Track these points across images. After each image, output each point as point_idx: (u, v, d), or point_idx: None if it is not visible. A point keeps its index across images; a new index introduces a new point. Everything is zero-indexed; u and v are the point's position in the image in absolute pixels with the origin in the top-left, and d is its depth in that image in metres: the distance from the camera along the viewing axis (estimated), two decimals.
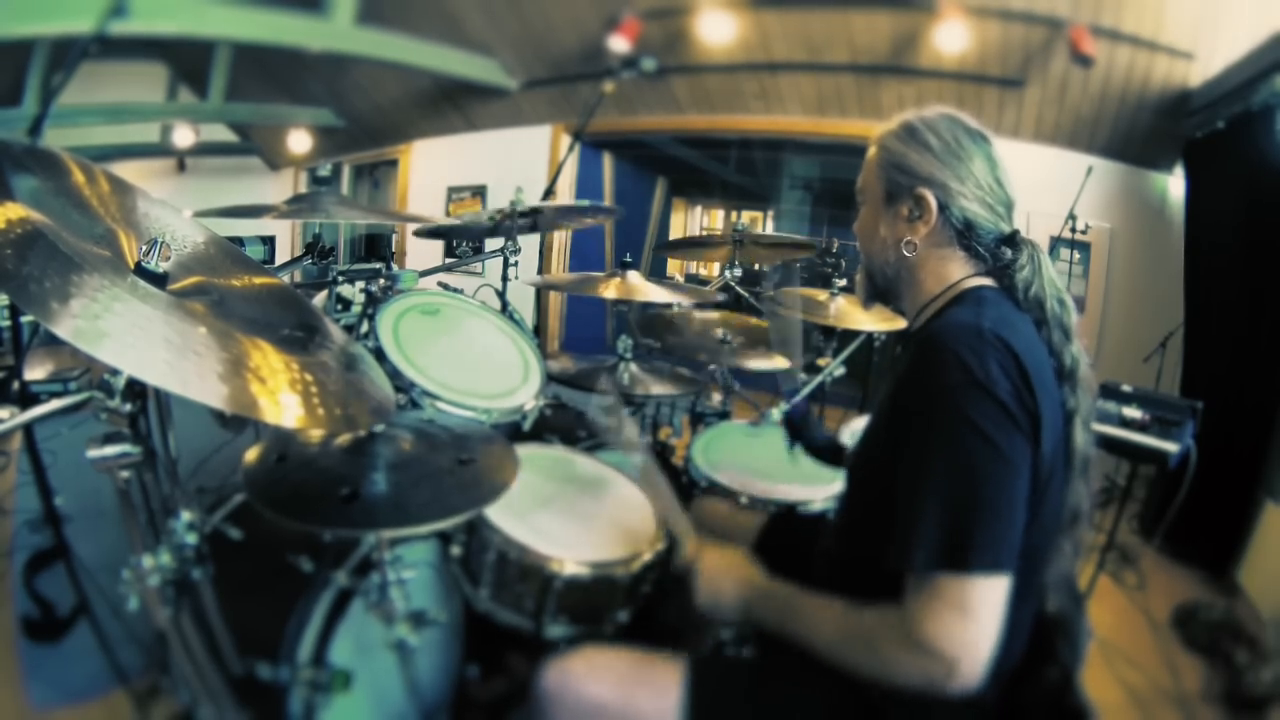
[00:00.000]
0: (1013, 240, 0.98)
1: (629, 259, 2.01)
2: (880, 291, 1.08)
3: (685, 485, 1.71)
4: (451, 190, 5.51)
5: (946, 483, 0.80)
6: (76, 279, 0.67)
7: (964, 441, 0.80)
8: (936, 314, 0.98)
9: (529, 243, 2.39)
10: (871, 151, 1.04)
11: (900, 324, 2.04)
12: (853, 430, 1.94)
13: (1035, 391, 0.82)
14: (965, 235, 0.98)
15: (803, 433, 1.47)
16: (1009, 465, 0.80)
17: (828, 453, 1.46)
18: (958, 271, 0.99)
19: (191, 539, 1.02)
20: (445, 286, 1.90)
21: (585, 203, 2.36)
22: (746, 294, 2.63)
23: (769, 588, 1.01)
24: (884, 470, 0.89)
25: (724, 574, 1.06)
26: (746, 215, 7.67)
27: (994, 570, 0.78)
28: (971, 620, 0.78)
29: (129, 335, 0.67)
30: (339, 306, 1.95)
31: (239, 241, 4.27)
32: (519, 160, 5.05)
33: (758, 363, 2.04)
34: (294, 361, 0.82)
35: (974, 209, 0.96)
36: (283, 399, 0.74)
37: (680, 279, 5.89)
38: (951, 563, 0.78)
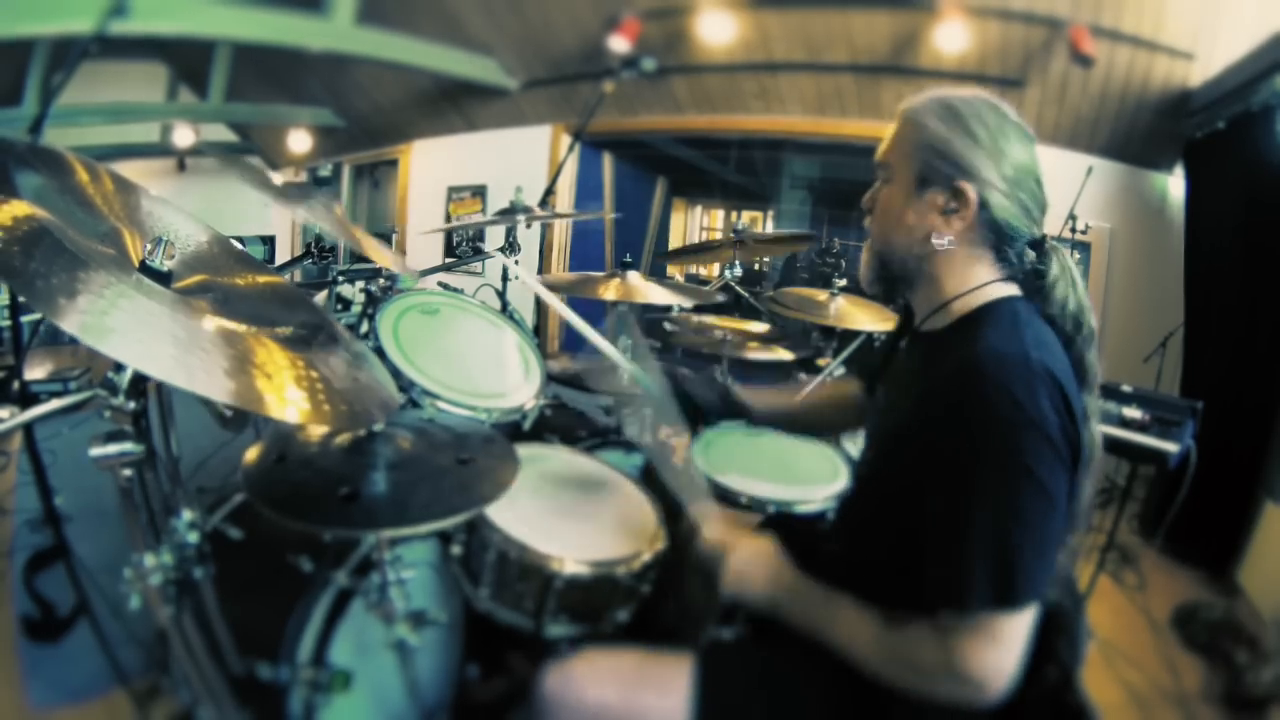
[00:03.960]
0: (1040, 246, 0.94)
1: (629, 260, 2.01)
2: (891, 278, 1.00)
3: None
4: (451, 190, 5.51)
5: (995, 524, 0.79)
6: (83, 275, 0.67)
7: (1015, 484, 0.79)
8: (966, 327, 0.91)
9: (529, 242, 2.39)
10: (901, 127, 0.95)
11: None
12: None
13: (1075, 418, 0.82)
14: (999, 236, 0.92)
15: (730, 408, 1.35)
16: (1052, 503, 0.80)
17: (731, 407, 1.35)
18: (982, 274, 0.94)
19: (192, 538, 1.02)
20: (445, 286, 1.91)
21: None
22: (746, 294, 2.63)
23: (801, 586, 0.98)
24: (898, 481, 0.89)
25: (755, 564, 1.03)
26: (746, 215, 7.67)
27: (1031, 603, 0.80)
28: (1005, 648, 0.80)
29: (135, 331, 0.67)
30: (339, 306, 1.95)
31: (239, 240, 4.27)
32: (519, 160, 5.04)
33: (760, 354, 2.03)
34: (299, 358, 0.82)
35: (1013, 211, 0.91)
36: (288, 394, 0.75)
37: (680, 279, 5.89)
38: (999, 604, 0.79)
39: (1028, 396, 0.78)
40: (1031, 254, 0.94)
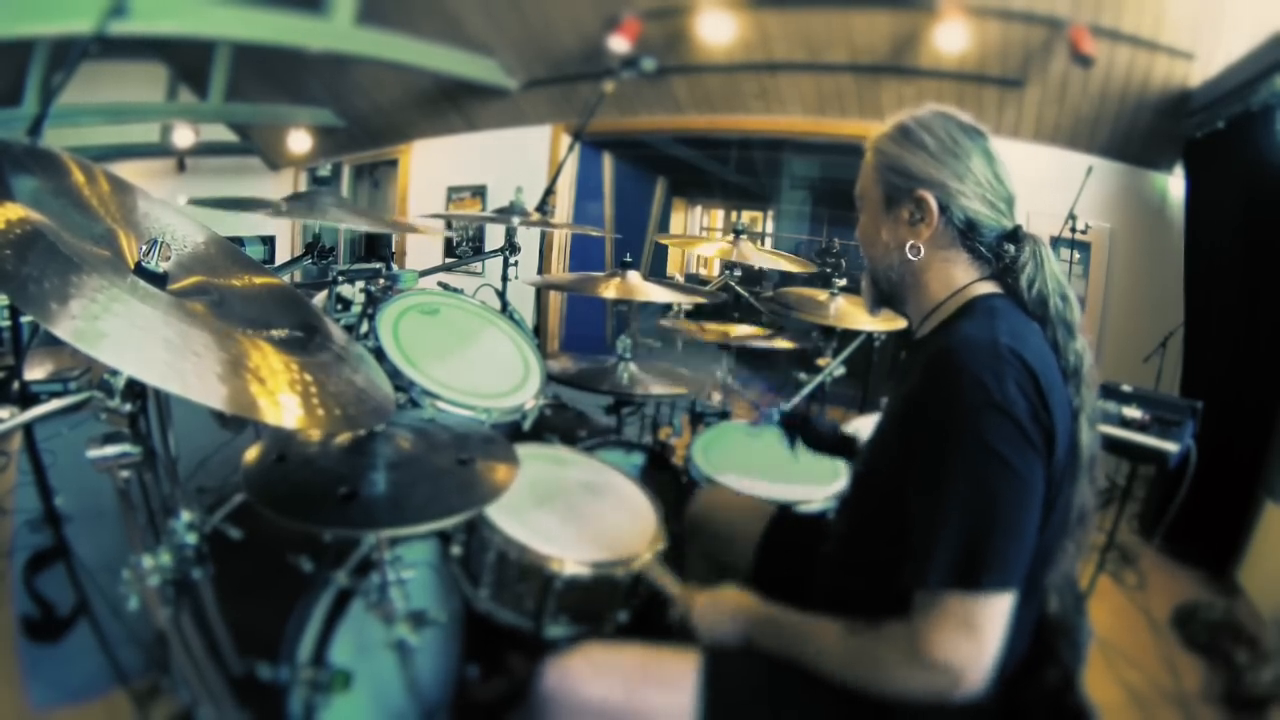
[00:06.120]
0: (1015, 236, 0.97)
1: (629, 259, 2.01)
2: (885, 297, 1.06)
3: (685, 485, 1.71)
4: (451, 190, 5.51)
5: (963, 505, 0.80)
6: (76, 279, 0.66)
7: (982, 465, 0.79)
8: (946, 324, 0.96)
9: (529, 242, 2.39)
10: (868, 156, 1.02)
11: (901, 324, 2.05)
12: (854, 429, 1.93)
13: (1050, 406, 0.82)
14: (968, 235, 0.96)
15: (804, 431, 1.45)
16: (1024, 486, 0.80)
17: (835, 445, 1.44)
18: (962, 275, 0.98)
19: (191, 539, 1.02)
20: (445, 286, 1.91)
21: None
22: (746, 294, 2.63)
23: (767, 615, 1.00)
24: (891, 481, 0.89)
25: (719, 612, 1.05)
26: (746, 215, 7.68)
27: (1003, 588, 0.79)
28: (977, 636, 0.79)
29: (128, 336, 0.66)
30: (339, 306, 1.94)
31: (239, 241, 4.27)
32: (519, 160, 5.05)
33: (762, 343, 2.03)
34: (293, 362, 0.82)
35: (975, 207, 0.95)
36: (282, 399, 0.74)
37: (680, 279, 5.88)
38: (963, 582, 0.79)
39: (994, 379, 0.80)
40: (1011, 248, 0.96)
